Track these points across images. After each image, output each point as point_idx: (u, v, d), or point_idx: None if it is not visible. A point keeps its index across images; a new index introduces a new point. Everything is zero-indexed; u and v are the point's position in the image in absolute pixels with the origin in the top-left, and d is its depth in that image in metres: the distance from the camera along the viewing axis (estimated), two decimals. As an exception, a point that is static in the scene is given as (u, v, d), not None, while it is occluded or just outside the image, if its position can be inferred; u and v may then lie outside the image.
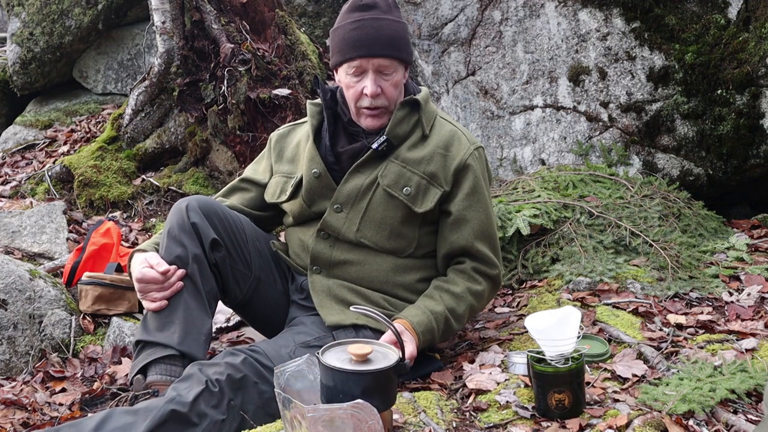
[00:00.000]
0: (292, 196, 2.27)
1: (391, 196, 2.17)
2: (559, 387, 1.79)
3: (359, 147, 2.21)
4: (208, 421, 1.83)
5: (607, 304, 2.45)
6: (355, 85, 2.16)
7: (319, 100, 2.32)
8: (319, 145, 2.25)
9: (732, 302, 2.45)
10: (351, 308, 1.98)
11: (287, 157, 2.35)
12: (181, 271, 2.12)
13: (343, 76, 2.19)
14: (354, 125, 2.24)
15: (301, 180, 2.25)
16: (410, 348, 1.99)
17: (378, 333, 2.10)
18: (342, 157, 2.23)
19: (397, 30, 2.17)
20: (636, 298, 2.50)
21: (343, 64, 2.17)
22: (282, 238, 2.53)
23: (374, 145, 2.17)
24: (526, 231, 2.76)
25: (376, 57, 2.13)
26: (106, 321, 2.91)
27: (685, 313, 2.39)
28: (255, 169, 2.44)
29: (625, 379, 1.99)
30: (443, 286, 2.18)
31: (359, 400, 1.54)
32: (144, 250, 2.20)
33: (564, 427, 1.77)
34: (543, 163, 3.56)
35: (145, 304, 2.12)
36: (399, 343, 1.76)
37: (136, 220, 4.04)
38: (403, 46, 2.18)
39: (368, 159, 2.19)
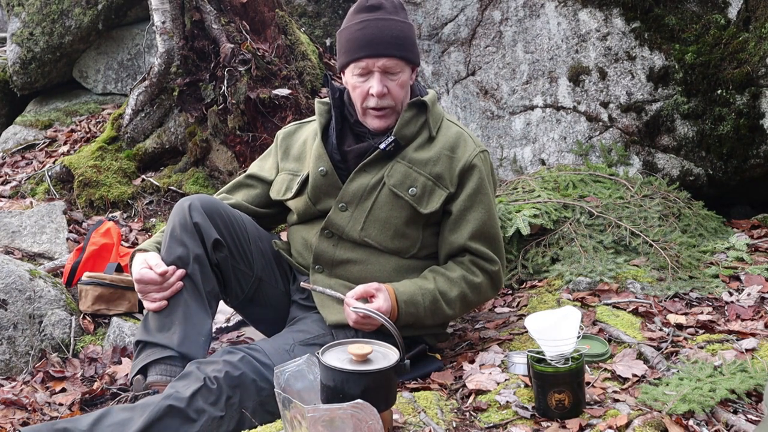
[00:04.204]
0: (298, 193, 2.27)
1: (396, 196, 2.17)
2: (559, 387, 1.79)
3: (366, 146, 2.21)
4: (206, 418, 1.84)
5: (607, 304, 2.45)
6: (362, 85, 2.17)
7: (327, 99, 2.32)
8: (326, 144, 2.25)
9: (732, 302, 2.45)
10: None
11: (293, 155, 2.35)
12: (180, 272, 2.12)
13: (349, 77, 2.20)
14: (360, 126, 2.24)
15: (307, 178, 2.25)
16: (379, 303, 2.02)
17: (378, 333, 2.10)
18: (348, 156, 2.23)
19: (403, 30, 2.17)
20: (636, 298, 2.50)
21: (350, 64, 2.18)
22: (284, 237, 2.53)
23: (382, 146, 2.17)
24: (526, 231, 2.76)
25: (381, 57, 2.13)
26: (106, 321, 2.91)
27: (685, 313, 2.39)
28: (261, 166, 2.44)
29: (625, 379, 1.99)
30: (439, 269, 2.20)
31: (359, 400, 1.54)
32: (145, 250, 2.20)
33: (564, 427, 1.77)
34: (543, 163, 3.56)
35: (146, 304, 2.13)
36: (399, 343, 1.76)
37: (136, 220, 4.04)
38: (409, 46, 2.19)
39: (375, 159, 2.19)
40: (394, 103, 2.18)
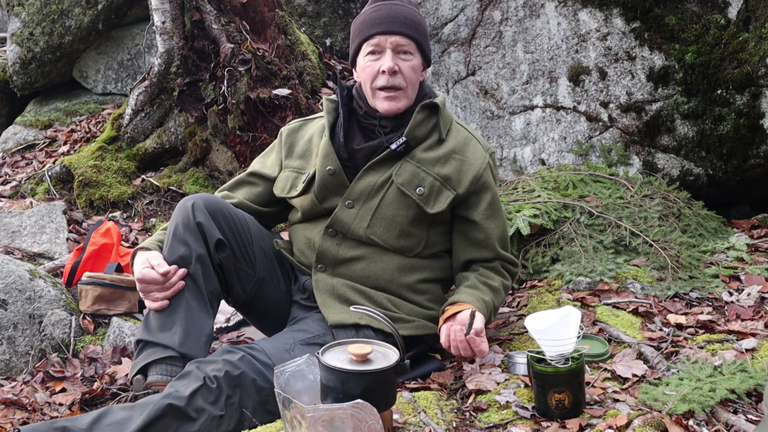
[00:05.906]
0: (304, 191, 2.27)
1: (404, 194, 2.18)
2: (559, 387, 1.79)
3: (376, 145, 2.21)
4: (206, 417, 1.84)
5: (607, 304, 2.45)
6: (372, 64, 2.18)
7: (335, 96, 2.32)
8: (334, 141, 2.26)
9: (732, 302, 2.45)
10: (351, 308, 1.98)
11: (298, 152, 2.35)
12: (182, 271, 2.11)
13: (361, 60, 2.22)
14: (369, 118, 2.24)
15: (313, 176, 2.25)
16: (485, 347, 2.05)
17: (379, 333, 2.10)
18: (357, 155, 2.23)
19: (416, 16, 2.23)
20: (636, 298, 2.50)
21: (362, 45, 2.20)
22: (285, 237, 2.52)
23: (393, 146, 2.18)
24: (526, 231, 2.76)
25: (394, 34, 2.16)
26: (106, 321, 2.91)
27: (685, 313, 2.39)
28: (263, 163, 2.43)
29: (625, 379, 1.99)
30: (482, 279, 2.23)
31: (359, 400, 1.54)
32: (147, 249, 2.19)
33: (564, 427, 1.77)
34: (543, 163, 3.56)
35: (147, 303, 2.12)
36: (399, 343, 1.76)
37: (136, 220, 4.04)
38: (423, 32, 2.23)
39: (384, 158, 2.19)
40: (405, 84, 2.18)
